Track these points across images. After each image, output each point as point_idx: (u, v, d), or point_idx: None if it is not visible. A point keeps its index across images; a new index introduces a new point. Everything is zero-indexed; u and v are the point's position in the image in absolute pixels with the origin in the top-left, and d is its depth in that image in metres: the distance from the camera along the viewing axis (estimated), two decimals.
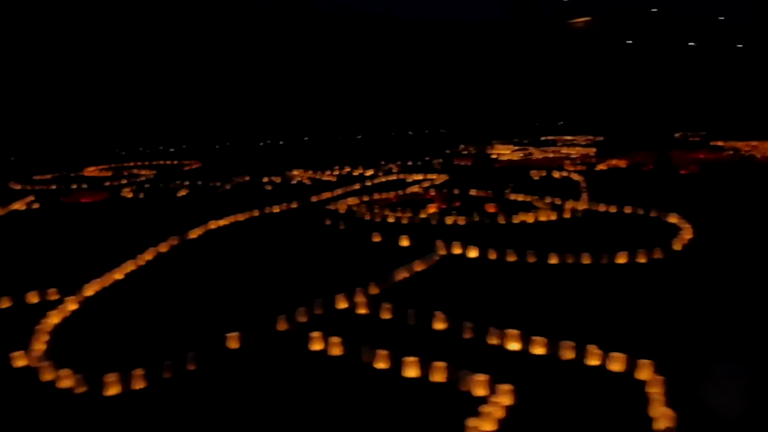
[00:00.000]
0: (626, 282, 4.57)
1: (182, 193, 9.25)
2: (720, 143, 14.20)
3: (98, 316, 4.13)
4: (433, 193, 8.61)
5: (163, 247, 5.73)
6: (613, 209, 7.01)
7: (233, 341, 3.51)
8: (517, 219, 6.63)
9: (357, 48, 26.00)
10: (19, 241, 6.54)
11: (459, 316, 3.82)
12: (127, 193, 9.27)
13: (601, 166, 10.88)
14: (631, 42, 33.07)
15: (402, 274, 4.70)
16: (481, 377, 2.90)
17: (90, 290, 4.52)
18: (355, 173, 11.17)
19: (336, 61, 25.46)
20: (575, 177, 9.65)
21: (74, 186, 10.19)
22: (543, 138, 17.46)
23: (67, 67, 20.08)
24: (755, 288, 4.36)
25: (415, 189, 8.84)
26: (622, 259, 4.97)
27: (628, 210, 6.89)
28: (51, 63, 19.82)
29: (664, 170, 10.26)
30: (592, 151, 13.39)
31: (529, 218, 6.65)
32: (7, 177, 10.99)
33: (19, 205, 8.33)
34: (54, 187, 10.12)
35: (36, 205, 8.41)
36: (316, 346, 3.45)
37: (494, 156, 13.39)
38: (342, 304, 4.08)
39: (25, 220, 7.69)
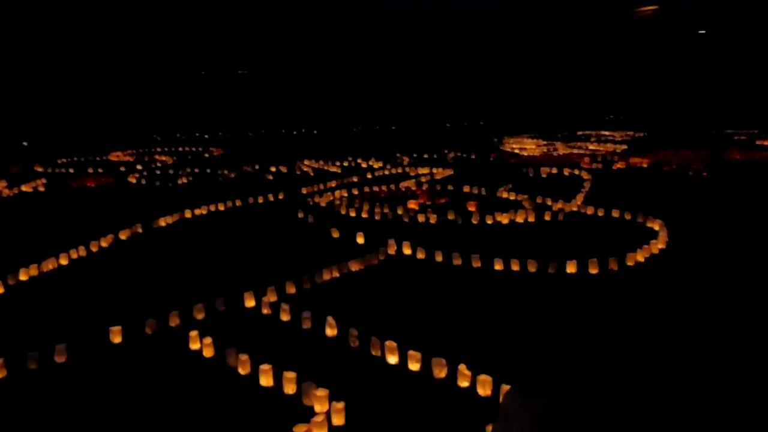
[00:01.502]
0: (563, 294, 4.25)
1: (183, 180, 9.38)
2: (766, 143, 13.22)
3: (13, 302, 4.20)
4: (425, 188, 8.39)
5: (124, 234, 5.80)
6: (600, 212, 6.60)
7: (116, 335, 3.48)
8: (491, 219, 6.34)
9: (400, 38, 25.69)
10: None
11: (359, 323, 3.68)
12: (131, 178, 9.50)
13: (619, 165, 10.31)
14: (703, 32, 31.29)
15: (330, 274, 4.55)
16: (321, 392, 2.74)
17: (24, 275, 4.62)
18: (364, 165, 11.05)
19: (375, 50, 25.25)
20: (585, 176, 9.18)
21: (90, 170, 10.54)
22: (579, 132, 16.77)
23: (100, 54, 20.79)
24: (690, 318, 3.97)
25: (408, 184, 8.62)
26: (572, 268, 4.64)
27: (615, 214, 6.46)
28: (84, 51, 20.57)
29: (718, 170, 9.54)
30: (621, 148, 12.72)
31: (504, 219, 6.34)
32: (33, 159, 11.50)
33: (27, 187, 8.67)
34: (72, 170, 10.50)
35: (42, 188, 8.74)
36: (194, 345, 3.38)
37: (516, 150, 12.93)
38: (249, 303, 3.99)
39: (23, 201, 7.98)
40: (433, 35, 26.31)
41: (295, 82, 23.57)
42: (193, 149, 14.01)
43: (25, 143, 15.59)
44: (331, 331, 3.52)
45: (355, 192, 8.14)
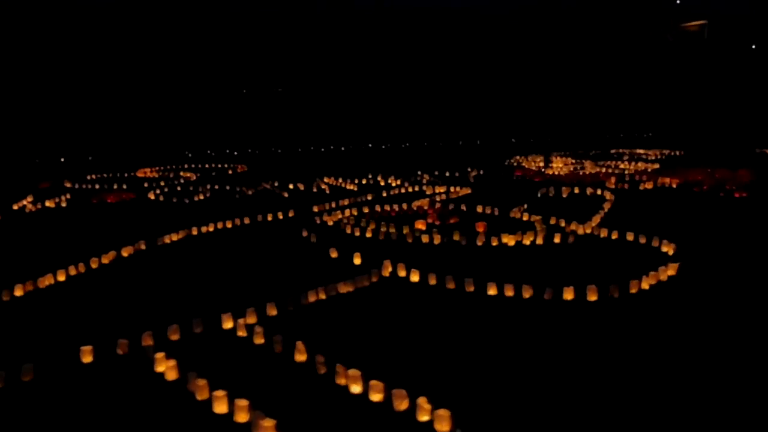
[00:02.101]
0: (554, 323, 4.05)
1: (200, 197, 9.49)
2: None
3: (1, 318, 4.24)
4: (437, 207, 8.26)
5: (126, 251, 5.85)
6: (614, 235, 6.34)
7: (86, 355, 3.46)
8: (496, 241, 6.16)
9: (428, 52, 25.65)
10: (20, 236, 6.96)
11: (334, 348, 3.58)
12: (151, 194, 9.66)
13: (647, 185, 9.96)
14: (754, 47, 30.27)
15: (316, 296, 4.46)
16: (267, 422, 2.63)
17: (20, 290, 4.68)
18: (382, 183, 10.99)
19: (403, 64, 25.25)
20: (608, 196, 8.88)
21: (115, 186, 10.78)
22: (613, 151, 16.35)
23: (140, 72, 21.39)
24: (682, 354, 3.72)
25: (421, 203, 8.49)
26: (569, 294, 4.43)
27: (629, 237, 6.20)
28: (125, 70, 21.20)
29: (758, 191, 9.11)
30: (652, 167, 12.32)
31: (510, 241, 6.15)
32: (63, 175, 11.84)
33: (50, 203, 8.90)
34: (97, 186, 10.77)
35: (64, 204, 8.96)
36: (159, 368, 3.32)
37: (541, 169, 12.67)
38: (227, 324, 3.93)
39: (43, 216, 8.18)
40: (461, 43, 26.15)
41: (324, 98, 23.77)
42: (218, 165, 14.23)
43: (62, 159, 16.13)
44: (299, 357, 3.42)
45: (366, 210, 8.07)
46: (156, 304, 4.48)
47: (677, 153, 15.64)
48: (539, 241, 6.21)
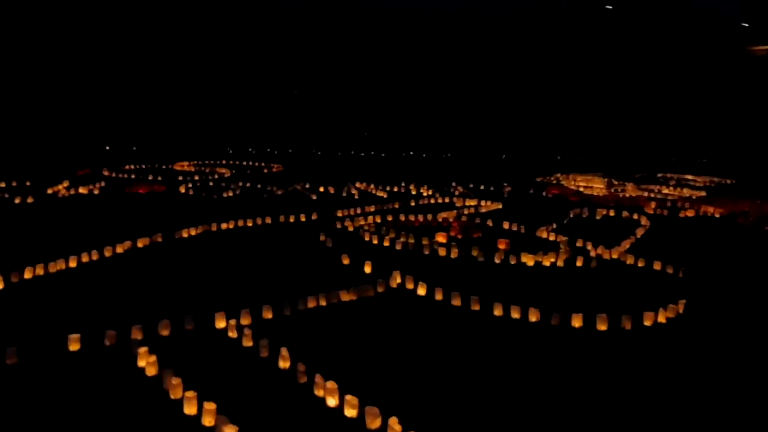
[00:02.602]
0: (557, 351, 3.84)
1: (229, 193, 9.55)
2: None
3: (8, 299, 4.29)
4: (463, 220, 8.07)
5: (142, 242, 5.89)
6: (641, 263, 6.04)
7: (74, 343, 3.45)
8: (514, 260, 5.95)
9: (484, 60, 25.36)
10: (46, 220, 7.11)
11: (321, 357, 3.48)
12: (182, 188, 9.77)
13: (688, 213, 9.52)
14: None
15: (315, 302, 4.37)
16: (230, 429, 2.54)
17: (29, 273, 4.74)
18: (414, 191, 10.86)
19: (455, 72, 25.04)
20: (644, 221, 8.52)
21: (150, 177, 10.98)
22: (659, 175, 15.77)
23: (199, 69, 21.87)
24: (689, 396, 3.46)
25: (446, 215, 8.32)
26: (577, 322, 4.21)
27: (656, 266, 5.89)
28: (184, 65, 21.70)
29: None
30: (698, 194, 11.80)
31: (530, 261, 5.93)
32: (103, 163, 12.15)
33: (84, 189, 9.11)
34: (134, 176, 10.99)
35: (96, 191, 9.16)
36: (142, 362, 3.28)
37: (580, 188, 12.30)
38: (220, 324, 3.87)
39: (74, 202, 8.36)
40: (512, 56, 25.77)
41: (369, 104, 23.81)
42: (254, 164, 14.37)
43: (107, 147, 16.59)
44: (283, 363, 3.33)
45: (389, 219, 7.96)
46: (158, 297, 4.47)
47: (728, 181, 14.97)
48: (560, 263, 5.97)
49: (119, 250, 5.59)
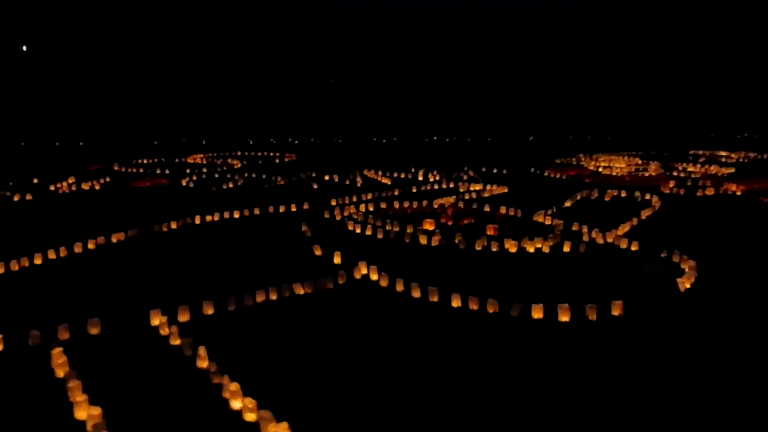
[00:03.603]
0: (510, 345, 3.57)
1: (230, 185, 9.48)
2: None
3: None
4: (460, 206, 7.78)
5: (116, 237, 5.84)
6: (634, 247, 5.65)
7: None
8: (496, 246, 5.64)
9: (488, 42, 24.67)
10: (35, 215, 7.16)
11: (246, 357, 3.32)
12: (184, 181, 9.75)
13: (708, 191, 8.94)
14: None
15: (264, 296, 4.19)
16: None
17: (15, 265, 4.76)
18: (421, 177, 10.57)
19: (462, 56, 24.44)
20: (655, 201, 8.04)
21: (158, 171, 11.02)
22: (692, 152, 14.99)
23: (220, 62, 21.97)
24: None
25: (443, 200, 8.03)
26: (537, 313, 3.91)
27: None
28: (202, 58, 21.84)
29: None
30: (725, 171, 11.12)
31: (512, 247, 5.62)
32: (114, 158, 12.28)
33: (86, 185, 9.19)
34: (141, 171, 11.06)
35: (98, 186, 9.22)
36: (54, 362, 3.18)
37: (599, 169, 11.77)
38: (155, 321, 3.74)
39: (71, 198, 8.41)
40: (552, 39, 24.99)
41: (389, 90, 23.50)
42: (267, 154, 14.31)
43: (124, 142, 16.83)
44: (201, 363, 3.17)
45: (383, 206, 7.73)
46: (109, 293, 4.38)
47: (766, 156, 14.09)
48: (545, 249, 5.64)
49: (90, 246, 5.55)
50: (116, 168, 11.26)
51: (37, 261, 5.05)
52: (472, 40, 25.05)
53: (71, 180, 9.34)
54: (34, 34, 21.62)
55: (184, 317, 3.80)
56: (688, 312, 4.03)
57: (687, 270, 4.77)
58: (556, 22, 25.89)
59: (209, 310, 3.91)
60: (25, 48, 22.15)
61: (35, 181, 9.34)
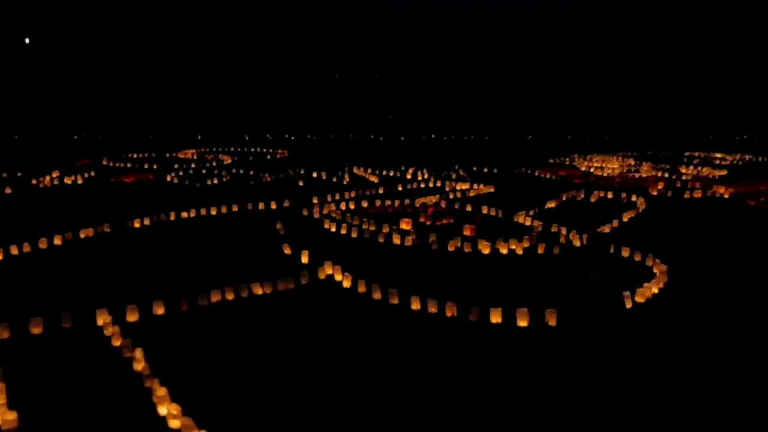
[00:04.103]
0: (464, 352, 3.47)
1: (214, 181, 9.40)
2: None
3: None
4: (442, 205, 7.68)
5: (85, 233, 5.76)
6: (610, 249, 5.54)
7: None
8: (469, 248, 5.54)
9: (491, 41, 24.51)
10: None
11: (187, 361, 3.24)
12: (169, 176, 9.67)
13: (695, 194, 8.80)
14: None
15: (219, 296, 4.11)
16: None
17: None
18: (409, 175, 10.47)
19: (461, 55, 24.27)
20: (640, 203, 7.91)
21: (146, 166, 10.96)
22: (687, 153, 14.83)
23: (227, 57, 21.90)
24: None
25: (425, 200, 7.93)
26: (496, 317, 3.81)
27: (624, 253, 5.38)
28: (208, 54, 21.77)
29: None
30: (717, 173, 10.98)
31: (485, 249, 5.52)
32: (102, 153, 12.23)
33: (68, 179, 9.12)
34: (128, 165, 11.00)
35: (80, 181, 9.15)
36: None
37: (591, 169, 11.64)
38: (100, 320, 3.66)
39: (50, 192, 8.34)
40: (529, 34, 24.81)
41: (388, 88, 23.38)
42: (261, 150, 14.23)
43: (125, 134, 16.80)
44: (137, 366, 3.09)
45: (365, 205, 7.63)
46: (64, 291, 4.30)
47: (762, 159, 13.92)
48: (519, 251, 5.53)
49: (56, 241, 5.47)
50: (104, 162, 11.20)
51: None
52: (477, 39, 24.88)
53: (55, 174, 9.28)
54: (36, 27, 21.60)
55: (132, 317, 3.71)
56: (632, 326, 3.90)
57: (658, 274, 4.66)
58: (559, 20, 25.67)
59: (159, 310, 3.83)
60: (27, 41, 22.13)
61: (19, 174, 9.28)
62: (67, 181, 9.02)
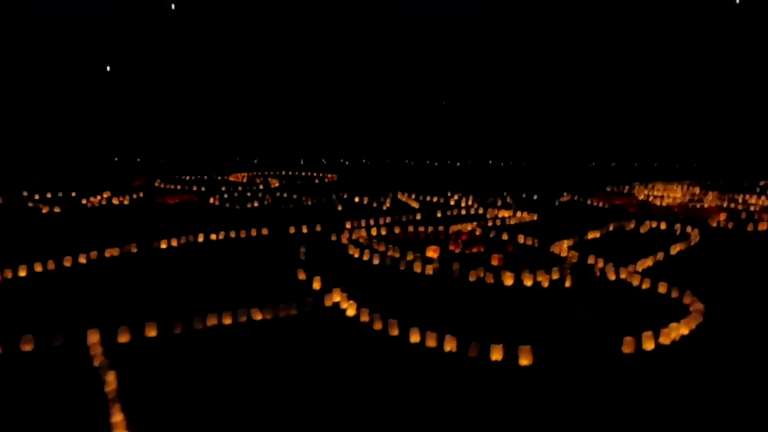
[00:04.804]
0: (469, 386, 3.20)
1: (255, 204, 9.47)
2: None
3: None
4: (477, 233, 7.38)
5: (110, 252, 5.85)
6: (645, 285, 5.10)
7: None
8: (491, 278, 5.24)
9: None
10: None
11: (168, 385, 3.14)
12: (214, 200, 9.81)
13: (760, 226, 8.09)
14: None
15: (216, 319, 4.01)
16: None
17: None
18: (452, 202, 10.21)
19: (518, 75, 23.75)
20: (694, 236, 7.33)
21: (194, 188, 11.22)
22: (762, 182, 13.81)
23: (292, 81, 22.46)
24: None
25: (461, 227, 7.65)
26: (497, 354, 3.51)
27: (661, 289, 4.93)
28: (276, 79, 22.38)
29: None
30: None
31: (508, 280, 5.19)
32: (157, 174, 12.64)
33: (116, 200, 9.42)
34: (178, 187, 11.30)
35: (126, 201, 9.43)
36: None
37: (650, 198, 10.99)
38: (91, 339, 3.62)
39: (97, 211, 8.61)
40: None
41: (454, 112, 23.22)
42: (311, 174, 14.35)
43: (181, 157, 17.41)
44: (108, 388, 3.01)
45: (397, 231, 7.44)
46: (75, 309, 4.33)
47: None
48: (545, 283, 5.18)
49: (81, 260, 5.57)
50: (156, 184, 11.56)
51: (21, 273, 5.10)
52: (549, 60, 24.30)
53: (106, 194, 9.62)
54: (112, 56, 22.90)
55: (123, 338, 3.66)
56: (651, 370, 3.50)
57: (692, 313, 4.22)
58: (638, 35, 24.64)
59: (152, 332, 3.76)
60: (109, 68, 23.50)
61: (74, 194, 9.68)
62: (115, 201, 9.31)
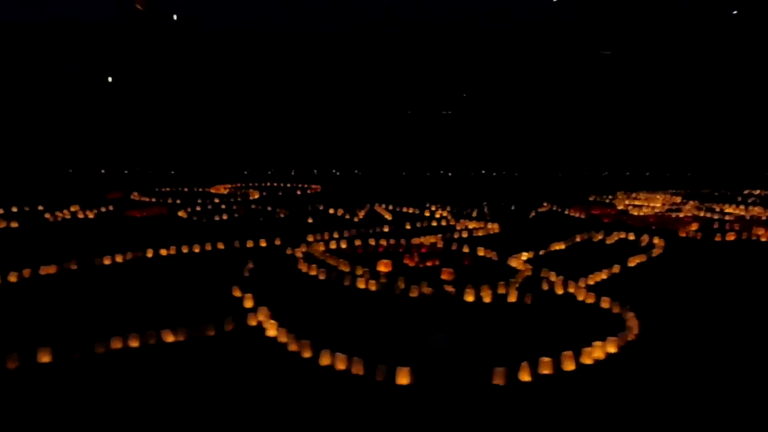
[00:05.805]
0: (371, 409, 3.03)
1: (224, 216, 9.33)
2: None
3: None
4: (438, 246, 7.21)
5: (46, 270, 5.69)
6: (590, 300, 4.92)
7: None
8: (432, 293, 5.07)
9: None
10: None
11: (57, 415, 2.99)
12: (182, 213, 9.67)
13: (729, 236, 7.87)
14: None
15: (121, 342, 3.85)
16: None
17: None
18: (427, 213, 10.05)
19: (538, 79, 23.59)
20: (657, 246, 7.14)
21: (170, 201, 11.11)
22: (746, 191, 13.58)
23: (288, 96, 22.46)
24: None
25: (423, 239, 7.48)
26: (402, 378, 3.34)
27: (604, 304, 4.75)
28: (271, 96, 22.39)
29: None
30: (765, 215, 9.88)
31: (470, 297, 5.01)
32: (133, 187, 12.55)
33: (82, 214, 9.29)
34: (153, 200, 11.19)
35: (91, 215, 9.28)
36: None
37: (628, 208, 10.78)
38: (45, 358, 3.48)
39: (56, 225, 8.47)
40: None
41: (446, 123, 23.12)
42: (295, 185, 14.23)
43: (172, 172, 17.35)
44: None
45: (357, 244, 7.28)
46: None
47: None
48: (487, 299, 5.00)
49: (11, 278, 5.38)
50: (133, 197, 11.46)
51: None
52: (543, 69, 24.17)
53: (74, 208, 9.49)
54: (114, 67, 22.97)
55: (12, 365, 3.51)
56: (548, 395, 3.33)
57: (626, 330, 4.03)
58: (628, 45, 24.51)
59: (45, 358, 3.60)
60: (110, 79, 23.56)
61: (40, 208, 9.55)
62: (80, 215, 9.20)
